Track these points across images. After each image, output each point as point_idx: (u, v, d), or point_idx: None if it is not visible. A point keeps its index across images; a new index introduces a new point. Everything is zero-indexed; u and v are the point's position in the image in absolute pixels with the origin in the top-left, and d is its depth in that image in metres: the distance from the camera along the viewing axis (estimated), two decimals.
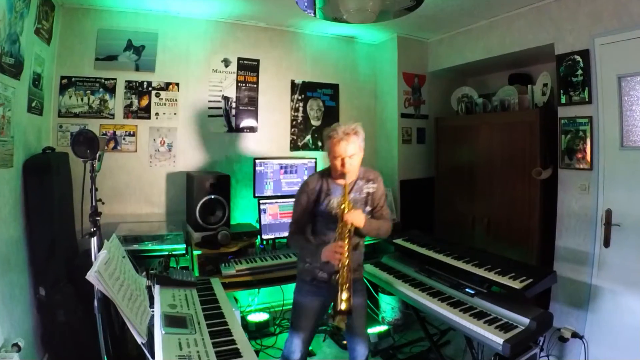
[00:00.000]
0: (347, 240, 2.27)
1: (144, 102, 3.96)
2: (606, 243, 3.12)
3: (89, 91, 3.76)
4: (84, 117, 3.74)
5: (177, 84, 4.09)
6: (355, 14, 3.22)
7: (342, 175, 2.42)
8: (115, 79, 3.85)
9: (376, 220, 2.57)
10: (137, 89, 3.93)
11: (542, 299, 3.39)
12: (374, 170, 2.65)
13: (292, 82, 4.67)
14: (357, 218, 2.34)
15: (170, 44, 4.04)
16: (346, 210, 2.32)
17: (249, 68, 4.42)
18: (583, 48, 3.26)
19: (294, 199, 2.63)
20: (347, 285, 2.19)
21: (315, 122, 4.82)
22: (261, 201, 3.98)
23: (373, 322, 4.09)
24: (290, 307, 2.64)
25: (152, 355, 1.66)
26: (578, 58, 3.29)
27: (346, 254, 2.23)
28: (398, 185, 4.83)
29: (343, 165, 2.40)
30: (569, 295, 3.34)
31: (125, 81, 3.89)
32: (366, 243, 4.19)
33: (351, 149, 2.40)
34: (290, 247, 2.85)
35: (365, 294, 2.69)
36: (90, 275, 1.65)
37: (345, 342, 3.61)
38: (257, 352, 3.61)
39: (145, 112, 3.97)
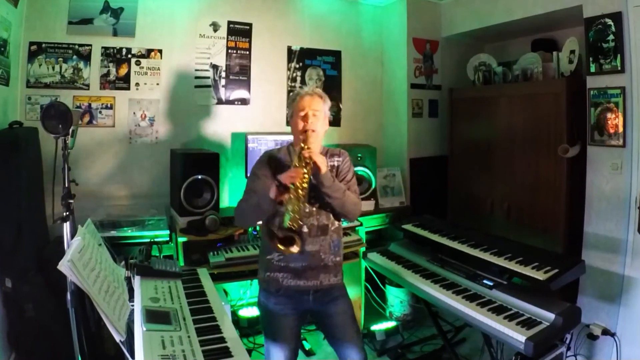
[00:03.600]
0: (305, 170, 2.11)
1: (123, 71, 3.89)
2: None
3: (61, 59, 3.68)
4: (55, 87, 3.68)
5: (160, 51, 4.01)
6: None
7: (305, 139, 2.28)
8: (91, 45, 3.77)
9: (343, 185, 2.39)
10: (115, 56, 3.86)
11: (569, 291, 3.36)
12: (339, 149, 2.58)
13: (289, 49, 4.60)
14: (319, 158, 2.17)
15: (152, 5, 3.95)
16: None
17: (240, 33, 4.33)
18: (615, 10, 3.18)
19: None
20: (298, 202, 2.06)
21: None
22: None
23: (380, 318, 4.09)
24: None
25: (132, 355, 1.66)
26: (609, 22, 3.21)
27: (305, 179, 2.09)
28: (407, 165, 4.79)
29: (306, 118, 2.33)
30: (599, 288, 3.32)
31: (102, 47, 3.81)
32: (370, 229, 4.24)
33: (316, 104, 2.37)
34: (238, 222, 2.52)
35: (347, 298, 2.54)
36: (63, 265, 1.63)
37: None
38: (249, 351, 3.61)
39: (124, 82, 3.90)
